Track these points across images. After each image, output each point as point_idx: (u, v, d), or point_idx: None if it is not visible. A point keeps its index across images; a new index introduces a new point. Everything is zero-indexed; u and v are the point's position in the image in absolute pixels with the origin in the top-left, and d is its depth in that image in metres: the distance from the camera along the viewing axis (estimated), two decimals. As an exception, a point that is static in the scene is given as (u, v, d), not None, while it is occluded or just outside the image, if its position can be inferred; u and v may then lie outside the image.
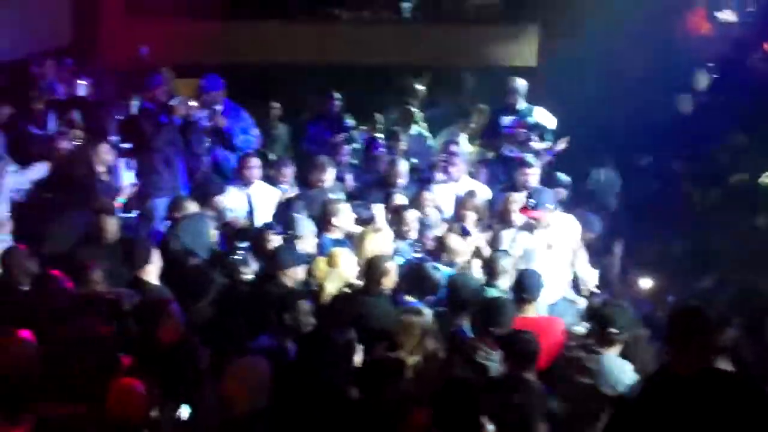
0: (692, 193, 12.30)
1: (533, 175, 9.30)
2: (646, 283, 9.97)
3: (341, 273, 7.34)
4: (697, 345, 4.84)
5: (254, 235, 7.99)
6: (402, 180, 9.44)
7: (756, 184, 12.00)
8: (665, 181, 12.42)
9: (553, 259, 8.16)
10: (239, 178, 9.38)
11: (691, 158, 12.43)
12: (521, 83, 10.62)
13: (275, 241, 7.76)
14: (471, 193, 9.14)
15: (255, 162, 9.30)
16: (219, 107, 10.06)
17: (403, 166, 9.55)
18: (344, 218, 8.23)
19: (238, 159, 9.65)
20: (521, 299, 6.77)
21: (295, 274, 7.16)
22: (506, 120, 10.61)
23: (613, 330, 5.98)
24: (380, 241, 7.84)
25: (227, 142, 10.07)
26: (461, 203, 9.06)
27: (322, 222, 8.21)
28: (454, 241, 7.95)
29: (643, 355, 6.09)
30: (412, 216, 8.45)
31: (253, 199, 9.19)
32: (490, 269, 7.34)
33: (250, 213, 9.13)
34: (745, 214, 11.74)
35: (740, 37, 14.19)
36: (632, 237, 11.53)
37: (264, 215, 9.03)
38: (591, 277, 8.61)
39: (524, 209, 8.24)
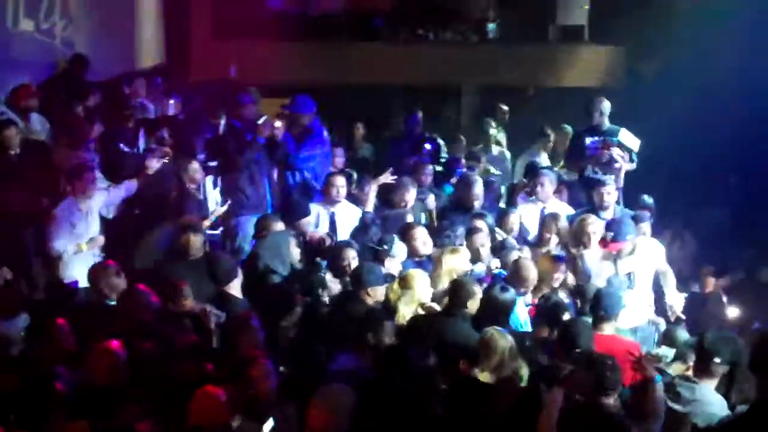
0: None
1: (611, 194, 9.21)
2: (733, 312, 9.77)
3: (415, 294, 7.23)
4: None
5: (334, 254, 7.97)
6: (478, 202, 9.36)
7: None
8: (753, 203, 12.20)
9: (636, 282, 8.08)
10: (324, 196, 9.36)
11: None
12: (606, 104, 10.45)
13: (355, 260, 7.74)
14: (554, 216, 8.99)
15: (340, 181, 9.25)
16: (278, 124, 10.02)
17: (479, 188, 9.46)
18: (423, 239, 8.16)
19: (324, 179, 9.57)
20: (598, 317, 6.76)
21: (377, 294, 7.13)
22: (590, 141, 10.45)
23: (717, 361, 5.83)
24: (457, 261, 7.75)
25: (287, 162, 9.92)
26: (544, 225, 8.93)
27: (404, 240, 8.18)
28: (525, 267, 7.77)
29: (744, 384, 5.93)
30: (481, 239, 8.40)
31: (337, 218, 9.16)
32: (580, 296, 7.37)
33: (333, 232, 9.06)
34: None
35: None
36: (720, 261, 11.27)
37: (346, 231, 9.02)
38: (677, 302, 8.48)
39: (603, 241, 8.18)
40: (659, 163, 11.75)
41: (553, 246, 8.62)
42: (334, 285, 7.62)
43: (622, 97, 11.96)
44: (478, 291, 6.94)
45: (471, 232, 8.52)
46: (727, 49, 13.23)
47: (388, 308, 7.14)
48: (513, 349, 6.14)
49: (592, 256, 8.33)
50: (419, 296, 7.22)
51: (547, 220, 8.95)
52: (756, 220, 12.00)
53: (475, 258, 8.18)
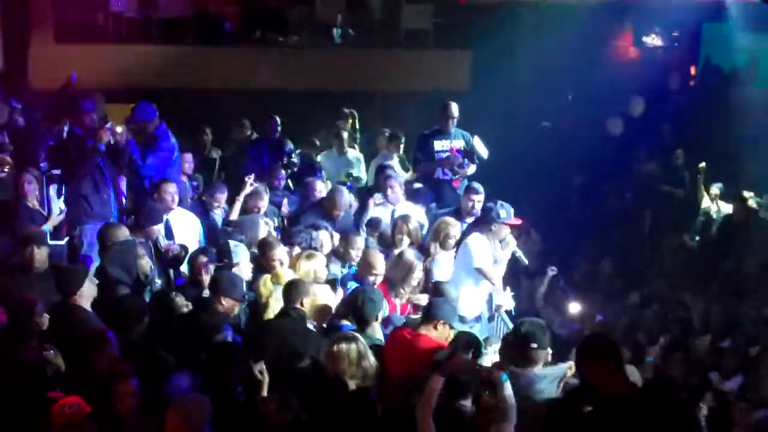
0: (622, 212, 12.59)
1: (480, 202, 9.31)
2: (574, 307, 10.24)
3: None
4: (608, 369, 4.99)
5: (189, 262, 7.87)
6: (341, 212, 9.42)
7: (684, 203, 12.27)
8: (596, 201, 12.75)
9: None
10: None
11: (621, 177, 12.71)
12: (454, 108, 10.59)
13: (211, 267, 7.63)
14: (405, 218, 9.02)
15: (172, 188, 8.96)
16: (120, 129, 9.73)
17: (342, 196, 9.52)
18: (280, 259, 7.96)
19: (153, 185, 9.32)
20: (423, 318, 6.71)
21: (229, 304, 7.03)
22: (439, 144, 10.61)
23: (534, 346, 6.03)
24: (314, 265, 7.72)
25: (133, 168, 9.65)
26: (396, 227, 8.95)
27: (261, 254, 8.02)
28: (370, 254, 7.94)
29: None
30: (359, 242, 8.46)
31: (172, 224, 8.91)
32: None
33: (170, 239, 8.80)
34: (673, 232, 11.95)
35: (666, 61, 14.53)
36: (565, 257, 11.77)
37: (184, 242, 8.74)
38: (506, 300, 8.82)
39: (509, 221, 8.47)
40: (506, 164, 12.01)
41: (405, 247, 8.63)
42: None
43: (469, 100, 12.14)
44: (315, 292, 7.00)
45: (345, 236, 8.62)
46: (564, 54, 13.65)
47: (263, 305, 7.21)
48: (364, 350, 6.13)
49: (445, 259, 8.55)
50: None
51: (398, 222, 8.96)
52: (597, 217, 12.56)
53: (345, 261, 8.34)
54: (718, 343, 9.22)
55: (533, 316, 9.06)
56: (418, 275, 8.03)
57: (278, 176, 10.64)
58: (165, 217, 8.67)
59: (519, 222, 8.66)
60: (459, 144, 10.64)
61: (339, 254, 8.44)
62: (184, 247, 8.33)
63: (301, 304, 6.88)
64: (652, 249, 12.21)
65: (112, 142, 9.43)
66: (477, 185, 9.53)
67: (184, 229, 8.91)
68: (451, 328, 6.58)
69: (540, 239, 11.86)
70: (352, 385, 5.98)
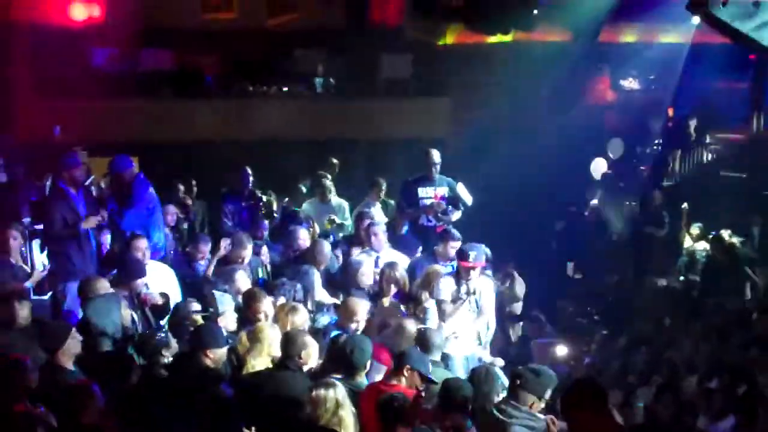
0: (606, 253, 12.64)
1: (455, 248, 9.13)
2: (561, 350, 10.37)
3: (264, 347, 7.10)
4: (595, 415, 4.99)
5: (173, 314, 7.81)
6: (323, 264, 9.30)
7: (666, 244, 12.32)
8: (580, 243, 12.84)
9: (473, 315, 8.47)
10: None
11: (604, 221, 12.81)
12: (435, 154, 10.64)
13: (195, 319, 7.56)
14: (391, 265, 8.95)
15: (141, 243, 8.84)
16: (103, 183, 9.67)
17: (326, 247, 9.45)
18: (265, 305, 7.86)
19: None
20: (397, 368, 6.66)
21: (216, 355, 6.88)
22: (423, 191, 10.69)
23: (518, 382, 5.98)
24: (298, 319, 7.63)
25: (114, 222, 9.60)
26: (383, 276, 8.86)
27: (246, 306, 7.92)
28: (351, 303, 7.87)
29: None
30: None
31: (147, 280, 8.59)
32: (422, 344, 7.28)
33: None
34: (659, 271, 11.95)
35: (644, 104, 14.67)
36: (550, 299, 11.87)
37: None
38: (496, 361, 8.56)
39: (464, 261, 8.33)
40: (488, 207, 11.99)
41: (391, 295, 8.66)
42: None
43: (450, 145, 12.44)
44: (311, 343, 6.88)
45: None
46: (539, 98, 13.73)
47: (239, 360, 7.11)
48: (343, 398, 6.10)
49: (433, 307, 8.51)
50: (269, 349, 7.09)
51: (385, 270, 8.90)
52: (581, 258, 12.66)
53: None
54: (705, 383, 9.16)
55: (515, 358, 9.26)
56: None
57: (261, 226, 10.57)
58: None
59: (474, 265, 8.37)
60: (443, 191, 10.70)
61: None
62: (165, 296, 8.25)
63: (299, 357, 6.77)
64: (638, 290, 12.25)
65: (97, 197, 9.37)
66: (454, 231, 9.47)
67: (160, 282, 8.76)
68: (424, 379, 6.53)
69: (524, 282, 11.74)
70: None
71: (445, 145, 12.01)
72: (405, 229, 10.70)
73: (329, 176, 12.40)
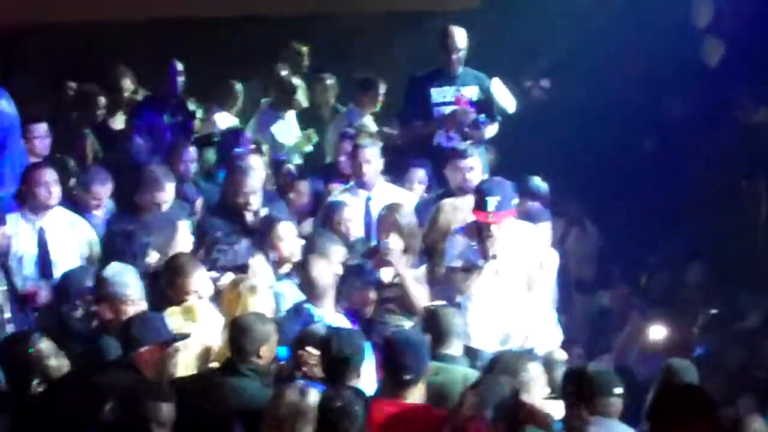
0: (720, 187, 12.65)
1: (475, 171, 9.33)
2: (657, 332, 10.34)
3: (201, 332, 7.35)
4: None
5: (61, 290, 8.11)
6: (255, 198, 9.44)
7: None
8: (678, 173, 12.68)
9: (503, 290, 8.43)
10: (23, 202, 9.08)
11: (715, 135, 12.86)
12: (459, 35, 10.48)
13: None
14: (393, 208, 8.99)
15: (50, 176, 8.99)
16: None
17: (255, 178, 9.52)
18: (197, 280, 7.97)
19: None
20: (403, 381, 6.76)
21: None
22: (440, 93, 10.54)
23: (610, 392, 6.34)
24: (260, 303, 7.69)
25: None
26: (382, 223, 8.93)
27: (168, 282, 8.00)
28: (312, 267, 8.12)
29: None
30: (288, 243, 8.70)
31: (47, 234, 8.97)
32: (436, 331, 7.42)
33: (43, 257, 8.93)
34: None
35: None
36: (637, 260, 12.10)
37: (66, 259, 8.86)
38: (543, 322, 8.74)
39: (482, 212, 8.27)
40: (542, 118, 12.19)
41: (396, 253, 8.62)
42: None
43: (481, 23, 12.26)
44: (273, 331, 7.07)
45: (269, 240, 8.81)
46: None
47: None
48: (312, 411, 6.24)
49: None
50: (205, 337, 7.37)
51: (384, 216, 8.98)
52: (680, 197, 12.37)
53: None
54: None
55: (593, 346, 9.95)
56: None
57: (184, 156, 10.41)
58: (38, 222, 8.91)
59: (496, 218, 8.28)
60: (470, 92, 10.58)
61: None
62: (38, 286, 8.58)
63: (258, 355, 6.92)
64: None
65: None
66: (463, 146, 9.66)
67: (64, 237, 8.98)
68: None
69: (598, 234, 11.92)
70: None
71: (472, 20, 11.54)
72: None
73: (294, 71, 12.55)
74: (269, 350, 6.98)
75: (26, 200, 9.03)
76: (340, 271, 8.39)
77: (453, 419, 6.23)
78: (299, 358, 7.15)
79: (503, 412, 6.13)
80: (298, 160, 11.49)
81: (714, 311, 11.20)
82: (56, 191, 8.99)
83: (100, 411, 6.45)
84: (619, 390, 6.37)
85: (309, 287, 8.05)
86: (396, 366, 6.71)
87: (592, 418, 6.30)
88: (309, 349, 7.07)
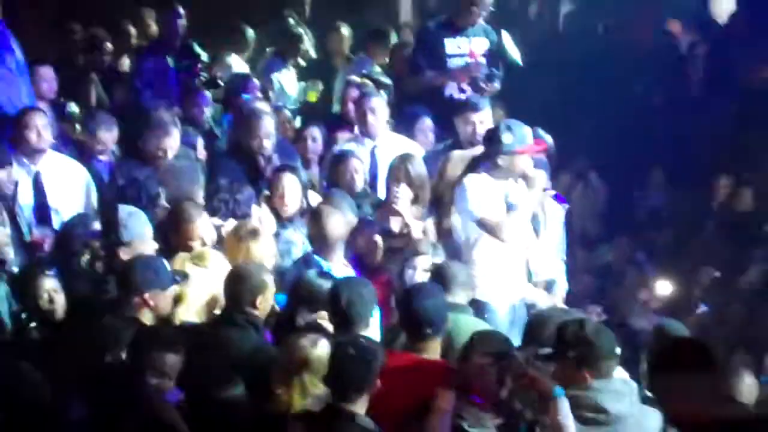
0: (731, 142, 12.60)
1: (485, 124, 9.26)
2: (663, 287, 10.44)
3: (210, 279, 7.39)
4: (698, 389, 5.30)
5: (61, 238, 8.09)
6: (269, 143, 9.31)
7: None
8: (687, 126, 12.60)
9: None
10: (17, 147, 8.96)
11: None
12: None
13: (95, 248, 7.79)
14: (405, 158, 8.97)
15: (41, 120, 8.95)
16: None
17: (268, 123, 9.37)
18: (200, 226, 8.07)
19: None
20: (420, 335, 6.83)
21: (160, 302, 7.06)
22: (453, 44, 10.49)
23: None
24: (262, 249, 7.78)
25: None
26: (394, 171, 8.88)
27: (172, 228, 8.03)
28: (324, 215, 8.17)
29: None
30: (292, 193, 8.67)
31: (43, 178, 8.97)
32: (440, 281, 7.45)
33: (43, 199, 8.89)
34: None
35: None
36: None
37: (63, 204, 8.89)
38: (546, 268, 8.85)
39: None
40: (551, 69, 12.34)
41: (406, 203, 8.69)
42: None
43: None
44: (270, 284, 7.15)
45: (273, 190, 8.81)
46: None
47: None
48: (322, 362, 6.26)
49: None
50: (214, 285, 7.36)
51: (395, 166, 8.95)
52: (689, 149, 12.36)
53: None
54: None
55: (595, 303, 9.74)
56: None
57: (200, 101, 10.42)
58: (33, 167, 8.88)
59: (539, 148, 8.67)
60: (482, 45, 10.57)
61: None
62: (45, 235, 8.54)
63: (254, 306, 6.96)
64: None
65: None
66: (475, 99, 9.69)
67: (61, 182, 8.95)
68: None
69: (604, 186, 12.02)
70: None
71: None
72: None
73: (299, 19, 12.67)
74: (265, 300, 7.02)
75: (19, 145, 9.01)
76: (354, 222, 8.41)
77: (461, 373, 6.19)
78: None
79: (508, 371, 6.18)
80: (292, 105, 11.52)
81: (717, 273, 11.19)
82: (47, 135, 8.99)
83: (101, 358, 6.46)
84: (618, 350, 6.29)
85: (321, 239, 8.07)
86: (417, 320, 6.73)
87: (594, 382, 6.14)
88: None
